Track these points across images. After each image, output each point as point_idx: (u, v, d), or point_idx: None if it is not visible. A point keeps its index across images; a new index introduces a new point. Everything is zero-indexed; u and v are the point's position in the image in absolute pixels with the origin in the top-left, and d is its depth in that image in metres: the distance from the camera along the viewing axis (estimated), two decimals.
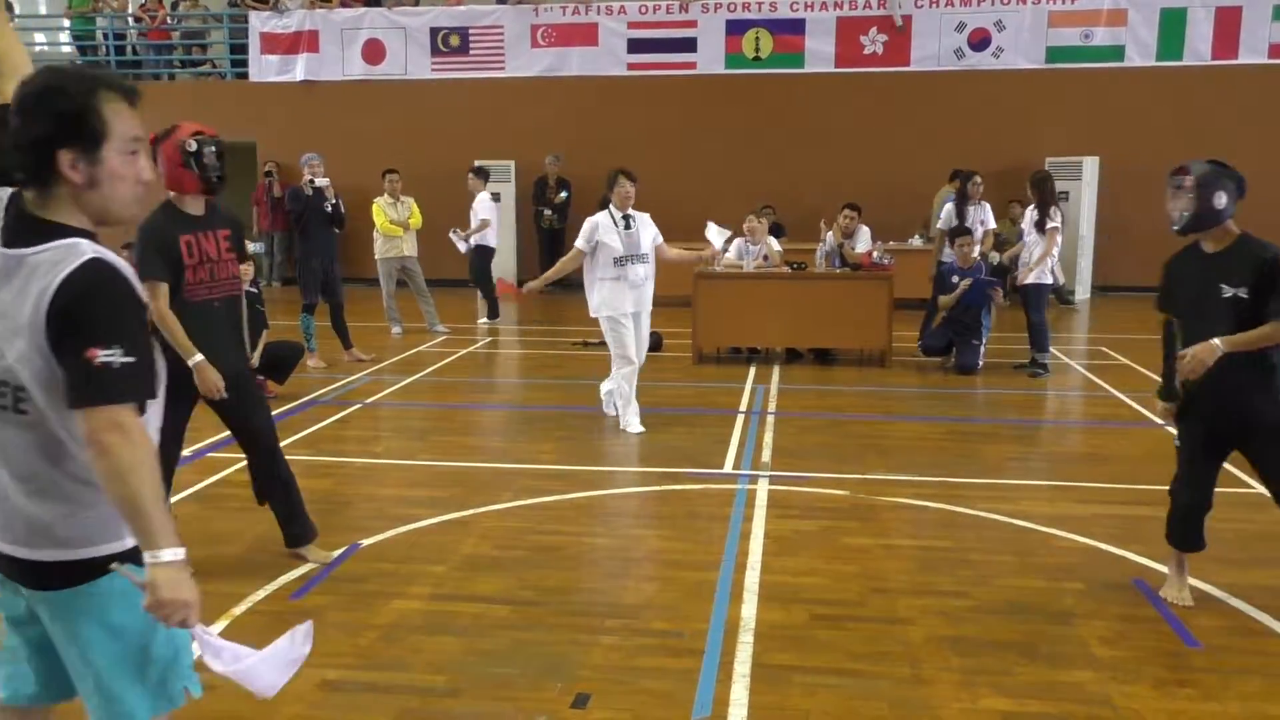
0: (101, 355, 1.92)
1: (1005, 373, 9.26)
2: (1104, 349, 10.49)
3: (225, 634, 3.85)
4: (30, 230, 2.00)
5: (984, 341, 9.33)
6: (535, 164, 15.34)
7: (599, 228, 6.91)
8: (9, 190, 2.07)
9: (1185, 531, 4.13)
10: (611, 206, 6.94)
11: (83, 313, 1.93)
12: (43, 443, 2.04)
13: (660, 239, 7.15)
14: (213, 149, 4.29)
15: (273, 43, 16.40)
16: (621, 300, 6.91)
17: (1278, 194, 11.18)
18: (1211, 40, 14.44)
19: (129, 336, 1.97)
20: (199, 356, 4.22)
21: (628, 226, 6.89)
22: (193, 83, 17.60)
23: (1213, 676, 3.55)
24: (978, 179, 9.95)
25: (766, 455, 6.44)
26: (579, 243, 6.97)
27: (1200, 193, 3.87)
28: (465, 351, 10.50)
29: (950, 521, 5.22)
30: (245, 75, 16.66)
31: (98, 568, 2.09)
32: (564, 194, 15.11)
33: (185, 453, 6.48)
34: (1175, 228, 4.00)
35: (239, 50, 16.99)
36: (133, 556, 2.09)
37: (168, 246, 4.18)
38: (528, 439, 7.04)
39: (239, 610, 4.11)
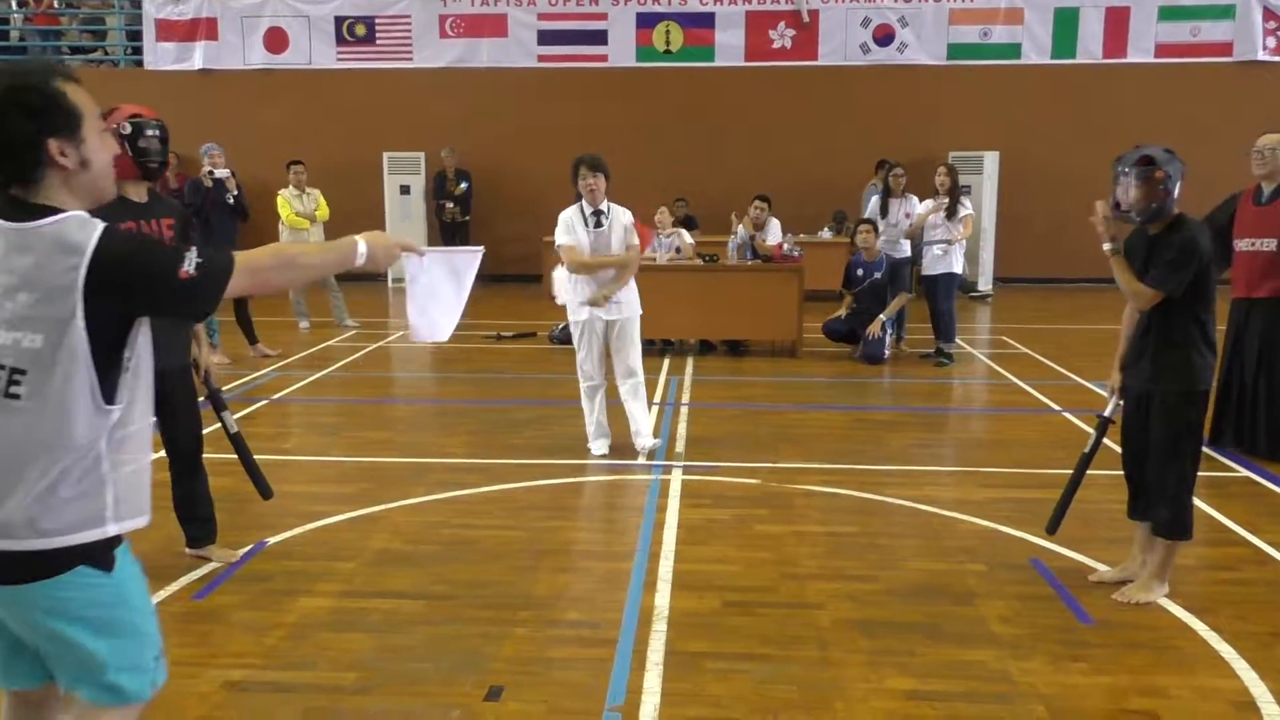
0: (185, 268, 2.08)
1: (912, 362, 9.49)
2: (1005, 338, 10.82)
3: None
4: (32, 210, 2.06)
5: (889, 333, 9.54)
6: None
7: (570, 217, 6.12)
8: None
9: None
10: (582, 201, 6.11)
11: (138, 257, 2.08)
12: (34, 427, 2.03)
13: (635, 239, 6.25)
14: (154, 132, 4.13)
15: (169, 30, 15.89)
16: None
17: None
18: (1103, 39, 15.01)
19: (180, 250, 2.11)
20: None
21: (598, 224, 6.09)
22: (84, 70, 16.94)
23: (1104, 651, 3.70)
24: (899, 171, 10.02)
25: (680, 446, 6.49)
26: (565, 239, 6.08)
27: (1167, 184, 3.92)
28: (375, 346, 10.34)
29: (859, 508, 5.33)
30: (140, 63, 16.12)
31: (73, 558, 2.08)
32: (464, 185, 14.96)
33: None
34: (1137, 218, 4.00)
35: (133, 37, 16.43)
36: (106, 548, 2.12)
37: None
38: (440, 433, 6.97)
39: None
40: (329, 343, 10.45)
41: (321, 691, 3.40)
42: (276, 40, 15.79)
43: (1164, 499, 4.07)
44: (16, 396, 2.03)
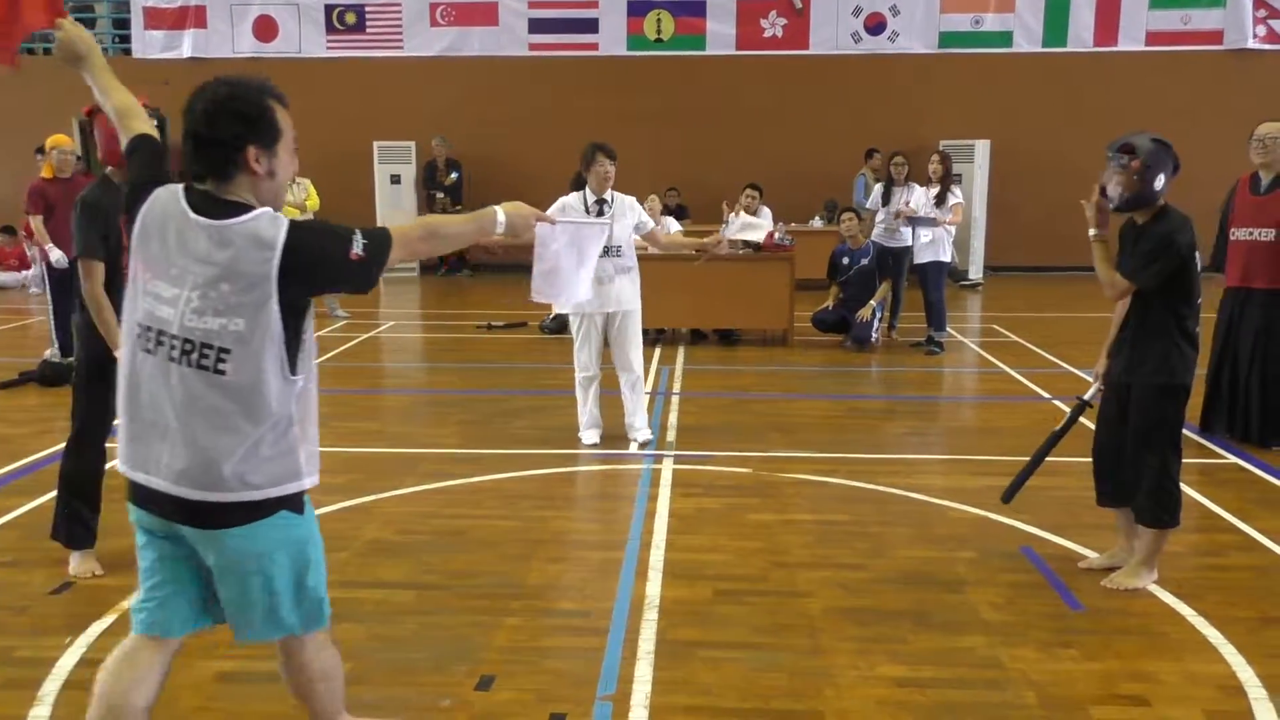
0: (355, 251, 2.41)
1: (903, 350, 9.50)
2: (996, 327, 10.84)
3: (114, 629, 3.74)
4: (228, 207, 2.37)
5: (879, 317, 9.55)
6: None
7: (565, 210, 5.92)
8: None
9: None
10: (587, 189, 6.02)
11: (320, 245, 2.40)
12: (235, 398, 2.34)
13: (650, 226, 6.25)
14: (155, 122, 4.10)
15: (157, 17, 15.80)
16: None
17: None
18: (1094, 27, 15.01)
19: (349, 234, 2.43)
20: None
21: (600, 212, 5.93)
22: None
23: (1094, 637, 3.72)
24: (899, 159, 10.04)
25: (671, 435, 6.50)
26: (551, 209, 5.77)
27: (1145, 174, 3.89)
28: (366, 336, 10.32)
29: (849, 496, 5.34)
30: (129, 51, 16.02)
31: (268, 508, 2.42)
32: (454, 175, 14.93)
33: None
34: (1114, 205, 4.01)
35: (121, 25, 16.32)
36: (300, 495, 2.49)
37: (107, 226, 4.03)
38: (431, 423, 6.96)
39: (128, 603, 3.95)
40: (320, 333, 10.42)
41: None
42: (266, 28, 15.71)
43: (1144, 489, 4.08)
44: (224, 372, 2.33)
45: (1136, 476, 4.09)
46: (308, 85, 15.55)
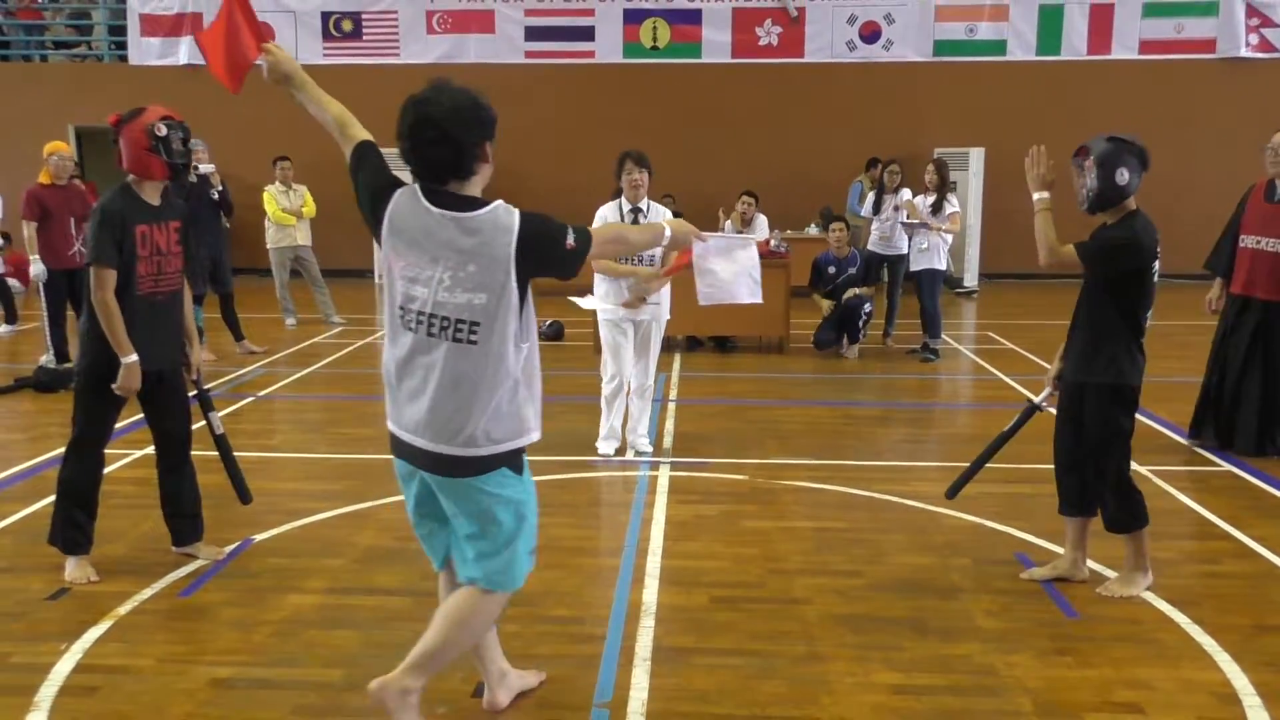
0: (569, 241, 2.86)
1: (898, 358, 9.52)
2: (992, 334, 10.87)
3: (109, 635, 3.74)
4: (469, 202, 2.79)
5: (868, 312, 9.58)
6: None
7: (607, 214, 6.00)
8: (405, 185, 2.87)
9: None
10: (622, 197, 5.97)
11: (546, 233, 2.82)
12: (483, 363, 2.75)
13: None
14: (180, 135, 4.18)
15: (154, 24, 15.81)
16: (614, 300, 6.00)
17: (1148, 183, 11.71)
18: (1087, 36, 15.08)
19: (563, 227, 2.87)
20: (133, 357, 4.06)
21: (635, 221, 5.87)
22: (68, 65, 16.85)
23: (1089, 644, 3.73)
24: (894, 167, 10.07)
25: (668, 442, 6.50)
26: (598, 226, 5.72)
27: (1101, 171, 3.92)
28: (363, 343, 10.32)
29: (846, 503, 5.35)
30: (125, 58, 16.02)
31: (500, 461, 2.84)
32: None
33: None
34: (1083, 208, 4.04)
35: (117, 32, 16.33)
36: (520, 455, 2.92)
37: (124, 234, 4.05)
38: None
39: (124, 610, 3.97)
40: (315, 339, 10.42)
41: (309, 688, 3.40)
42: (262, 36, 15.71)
43: (1107, 494, 4.09)
44: (474, 342, 2.74)
45: (1100, 483, 4.10)
46: None
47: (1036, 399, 4.36)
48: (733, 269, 3.60)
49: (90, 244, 4.06)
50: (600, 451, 6.16)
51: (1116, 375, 4.01)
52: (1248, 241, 6.10)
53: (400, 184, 2.88)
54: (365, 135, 3.12)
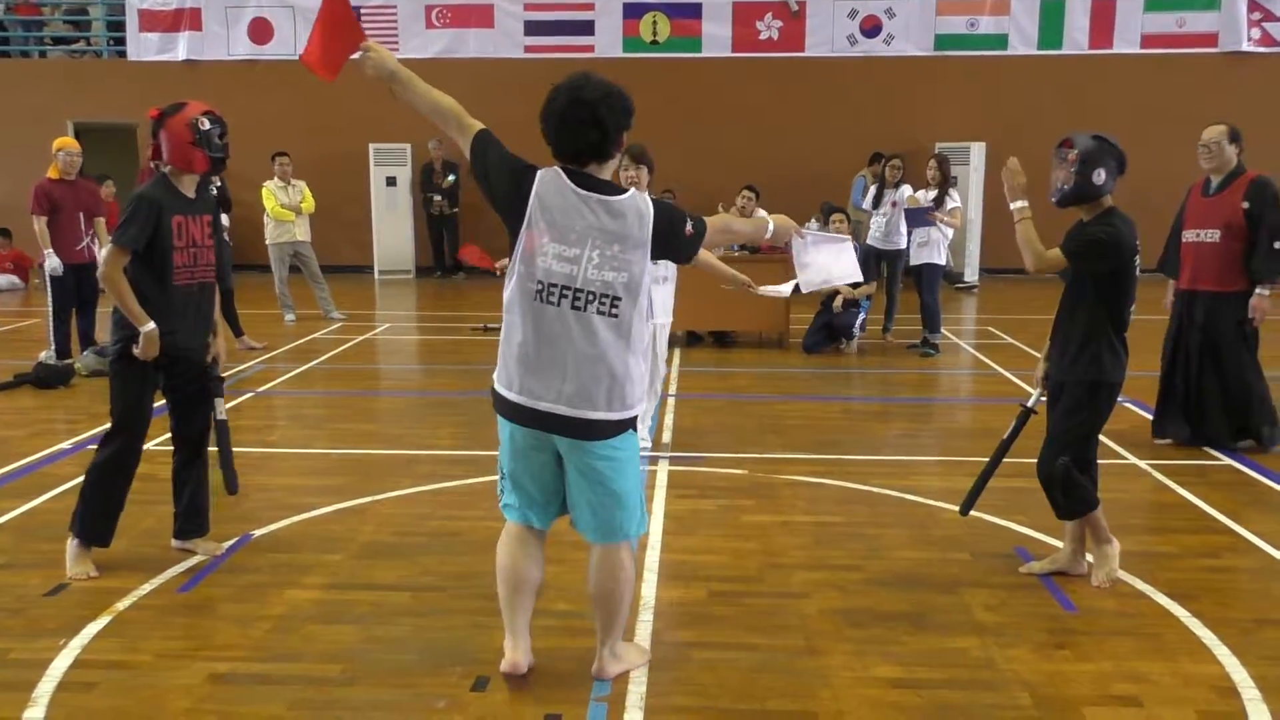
0: (688, 229, 3.19)
1: (898, 352, 9.52)
2: (992, 329, 10.86)
3: (108, 630, 3.74)
4: (611, 187, 3.09)
5: (865, 309, 9.57)
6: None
7: None
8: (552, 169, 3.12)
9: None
10: None
11: (673, 219, 3.16)
12: (622, 335, 3.04)
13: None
14: (220, 130, 4.26)
15: (152, 20, 15.79)
16: None
17: (1149, 178, 11.70)
18: (1089, 30, 15.06)
19: (683, 214, 3.22)
20: (151, 325, 4.12)
21: None
22: (67, 61, 16.83)
23: (1088, 638, 3.72)
24: (896, 162, 10.05)
25: (667, 436, 6.50)
26: None
27: (1082, 168, 3.93)
28: (362, 338, 10.32)
29: (845, 497, 5.35)
30: (124, 54, 16.01)
31: (626, 425, 3.12)
32: (451, 178, 14.92)
33: (65, 445, 6.26)
34: (1052, 199, 4.06)
35: (116, 28, 16.31)
36: (635, 421, 3.18)
37: (159, 224, 4.12)
38: (427, 425, 6.96)
39: (123, 605, 3.97)
40: (315, 335, 10.42)
41: (308, 683, 3.40)
42: (261, 30, 15.71)
43: (1057, 489, 4.10)
44: (615, 315, 3.03)
45: (1050, 471, 4.10)
46: (302, 87, 15.50)
47: (1028, 403, 4.35)
48: (827, 255, 4.05)
49: (121, 224, 4.13)
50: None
51: (1098, 372, 4.02)
52: (1188, 236, 6.08)
53: (537, 166, 3.10)
54: (480, 124, 3.25)
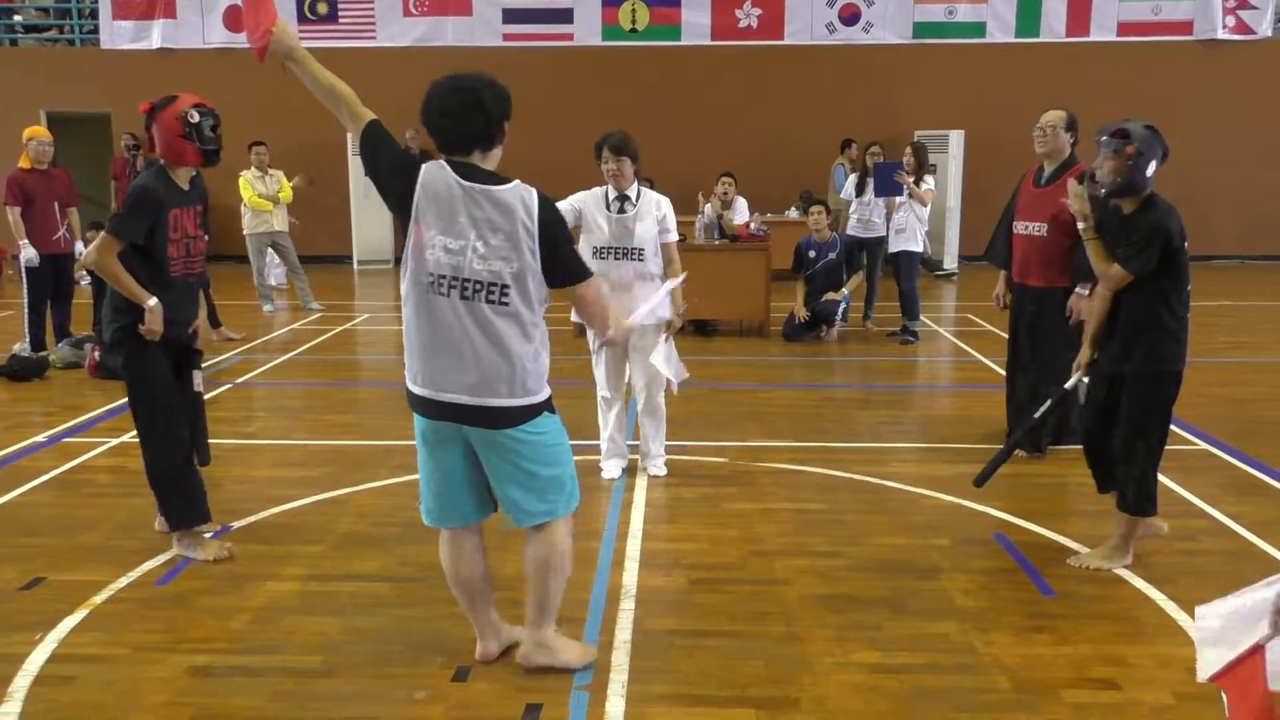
0: (572, 243, 3.21)
1: (878, 340, 9.54)
2: (971, 316, 10.90)
3: (86, 624, 3.71)
4: (490, 176, 3.06)
5: (846, 305, 9.58)
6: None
7: (585, 201, 5.37)
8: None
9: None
10: (608, 186, 5.38)
11: (559, 220, 3.12)
12: (513, 324, 3.04)
13: (670, 238, 5.41)
14: (211, 121, 4.23)
15: (126, 8, 15.59)
16: None
17: None
18: (1066, 18, 15.10)
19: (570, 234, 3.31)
20: (154, 300, 4.11)
21: (621, 210, 5.29)
22: (39, 49, 16.61)
23: (1066, 622, 3.75)
24: (876, 149, 9.97)
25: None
26: (564, 211, 4.98)
27: (1138, 160, 3.87)
28: (342, 329, 10.26)
29: (825, 485, 5.36)
30: (97, 42, 15.81)
31: (536, 410, 3.12)
32: None
33: (40, 438, 6.19)
34: (1103, 190, 3.97)
35: (89, 15, 16.11)
36: (550, 404, 3.19)
37: (157, 216, 4.11)
38: (405, 416, 6.84)
39: (100, 599, 3.94)
40: (294, 326, 10.35)
41: (288, 675, 3.38)
42: (237, 19, 15.51)
43: (1130, 477, 4.10)
44: (506, 304, 3.02)
45: (1128, 465, 4.09)
46: (279, 76, 15.36)
47: (1067, 385, 4.33)
48: (650, 302, 4.19)
49: (119, 215, 4.13)
50: (606, 475, 5.47)
51: (1161, 363, 4.00)
52: (1019, 228, 5.78)
53: (424, 160, 3.07)
54: (373, 114, 3.17)
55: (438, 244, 3.01)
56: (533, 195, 3.04)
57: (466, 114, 3.01)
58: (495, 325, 3.02)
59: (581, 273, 3.17)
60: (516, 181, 3.06)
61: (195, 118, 4.16)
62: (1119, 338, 4.08)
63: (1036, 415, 4.43)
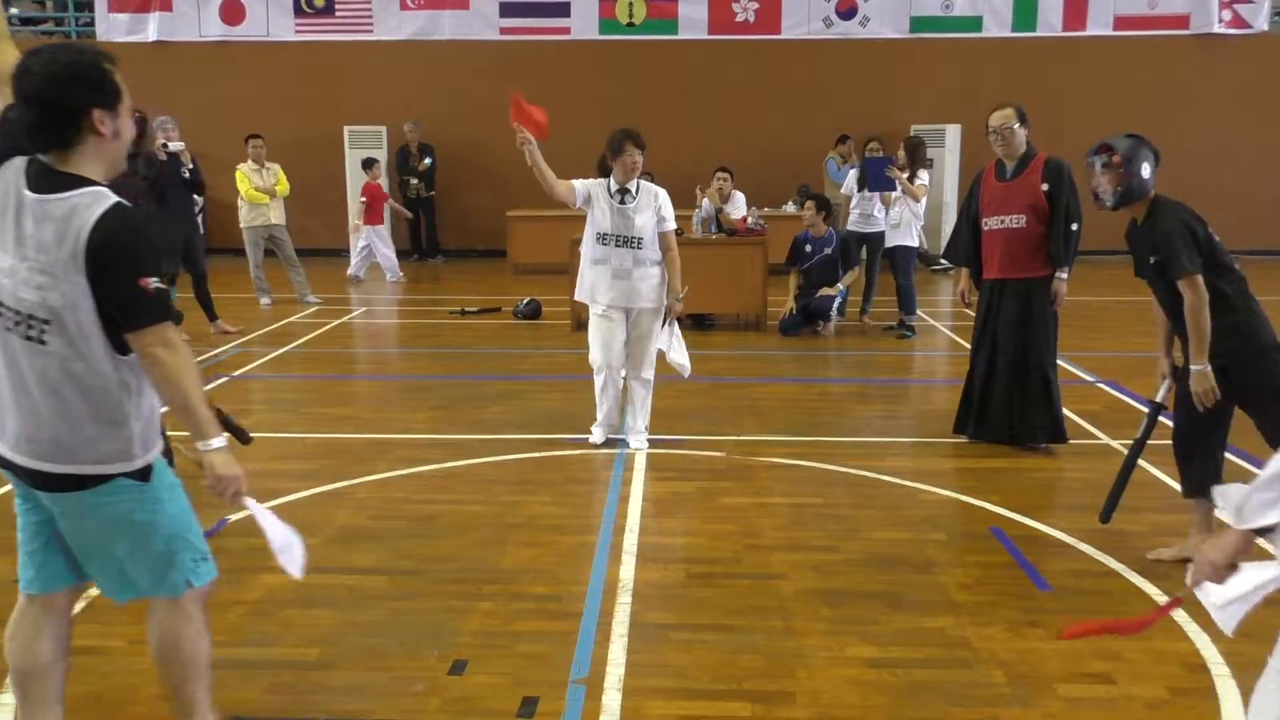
0: (153, 283, 2.35)
1: (875, 335, 9.55)
2: (968, 311, 10.88)
3: (82, 616, 3.70)
4: (59, 181, 2.36)
5: (843, 299, 9.59)
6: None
7: (594, 188, 5.71)
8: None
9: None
10: (612, 176, 5.73)
11: (126, 247, 2.35)
12: (63, 372, 2.37)
13: (668, 228, 5.74)
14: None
15: (122, 0, 15.54)
16: (601, 289, 5.69)
17: None
18: (1062, 12, 15.09)
19: (159, 268, 2.40)
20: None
21: (623, 201, 5.61)
22: (33, 41, 16.54)
23: (1061, 616, 3.76)
24: (874, 144, 9.95)
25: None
26: (576, 183, 5.70)
27: (1129, 168, 3.95)
28: (338, 322, 10.25)
29: (822, 479, 5.37)
30: (93, 35, 15.76)
31: (106, 479, 2.46)
32: (428, 160, 14.82)
33: None
34: (1109, 204, 4.03)
35: (85, 8, 16.06)
36: (141, 475, 2.52)
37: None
38: (403, 408, 6.93)
39: (96, 591, 3.93)
40: (290, 319, 10.34)
41: (285, 667, 3.39)
42: (233, 11, 15.49)
43: None
44: (45, 343, 2.36)
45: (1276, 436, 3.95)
46: (276, 69, 15.41)
47: (1157, 397, 4.31)
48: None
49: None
50: (592, 440, 5.90)
51: (1244, 341, 3.95)
52: (990, 224, 5.77)
53: (16, 154, 2.45)
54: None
55: (4, 263, 2.38)
56: (99, 204, 2.32)
57: (25, 104, 2.35)
58: (41, 371, 2.37)
59: (145, 307, 2.35)
60: (94, 189, 2.35)
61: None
62: (1186, 337, 4.02)
63: (1139, 436, 4.35)
